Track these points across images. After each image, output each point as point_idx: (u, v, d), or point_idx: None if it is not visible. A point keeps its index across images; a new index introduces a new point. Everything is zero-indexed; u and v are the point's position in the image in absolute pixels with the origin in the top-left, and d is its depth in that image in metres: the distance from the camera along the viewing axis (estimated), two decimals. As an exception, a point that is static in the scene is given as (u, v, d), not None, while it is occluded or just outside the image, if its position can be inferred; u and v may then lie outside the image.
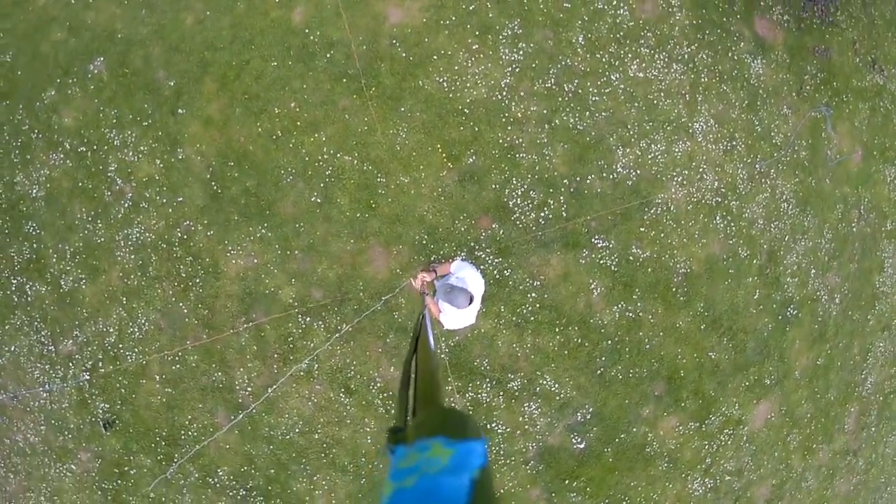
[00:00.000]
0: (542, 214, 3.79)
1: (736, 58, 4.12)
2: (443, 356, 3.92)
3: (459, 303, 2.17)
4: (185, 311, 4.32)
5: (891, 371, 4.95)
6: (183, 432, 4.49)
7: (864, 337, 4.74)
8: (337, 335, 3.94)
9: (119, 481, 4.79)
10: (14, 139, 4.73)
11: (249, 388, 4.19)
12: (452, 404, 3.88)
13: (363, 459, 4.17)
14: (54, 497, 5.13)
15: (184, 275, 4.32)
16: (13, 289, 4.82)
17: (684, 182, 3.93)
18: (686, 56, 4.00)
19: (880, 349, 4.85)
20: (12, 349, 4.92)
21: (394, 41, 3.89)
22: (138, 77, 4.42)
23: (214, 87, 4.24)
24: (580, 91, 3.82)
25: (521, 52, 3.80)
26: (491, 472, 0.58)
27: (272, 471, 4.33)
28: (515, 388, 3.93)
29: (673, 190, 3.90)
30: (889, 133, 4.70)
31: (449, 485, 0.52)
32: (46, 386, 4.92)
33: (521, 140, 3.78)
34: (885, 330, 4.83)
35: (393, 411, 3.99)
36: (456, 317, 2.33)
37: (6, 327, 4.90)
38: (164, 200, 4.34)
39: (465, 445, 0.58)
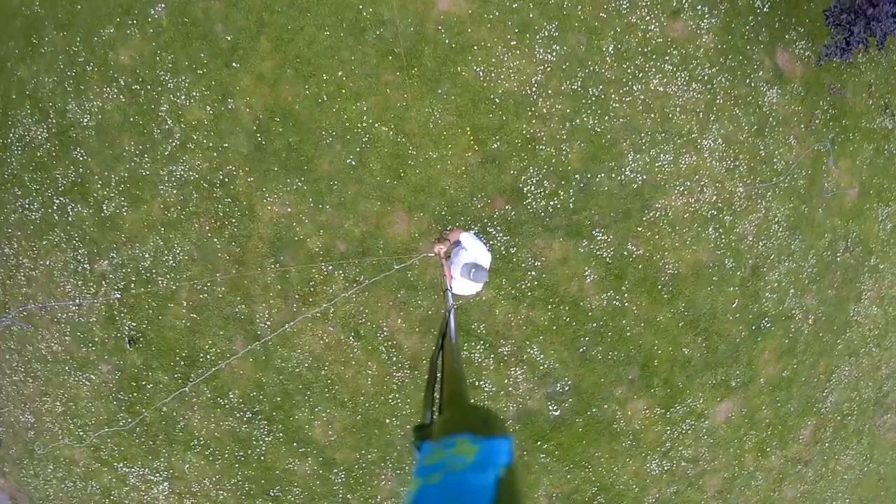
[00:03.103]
0: (552, 203, 4.47)
1: (753, 85, 4.71)
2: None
3: (480, 279, 2.72)
4: (219, 246, 5.07)
5: (851, 395, 5.63)
6: (202, 355, 5.30)
7: (830, 358, 5.42)
8: (355, 287, 4.68)
9: (135, 394, 5.63)
10: (69, 69, 5.38)
11: (269, 322, 4.97)
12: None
13: (361, 398, 4.97)
14: (70, 403, 5.99)
15: (221, 214, 5.05)
16: (55, 207, 5.57)
17: (685, 192, 4.58)
18: (706, 77, 4.59)
19: (845, 372, 5.52)
20: (47, 263, 5.68)
21: (439, 27, 4.51)
22: (197, 27, 5.03)
23: (269, 46, 4.88)
24: (603, 97, 4.45)
25: (554, 54, 4.42)
26: (517, 470, 0.58)
27: (278, 399, 5.14)
28: (505, 353, 4.67)
29: (674, 198, 4.56)
30: (889, 175, 5.28)
31: (474, 482, 0.52)
32: (77, 300, 5.73)
33: (542, 133, 4.43)
34: (851, 356, 5.50)
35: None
36: (468, 286, 2.93)
37: (43, 242, 5.65)
38: (211, 144, 5.03)
39: (491, 443, 0.59)
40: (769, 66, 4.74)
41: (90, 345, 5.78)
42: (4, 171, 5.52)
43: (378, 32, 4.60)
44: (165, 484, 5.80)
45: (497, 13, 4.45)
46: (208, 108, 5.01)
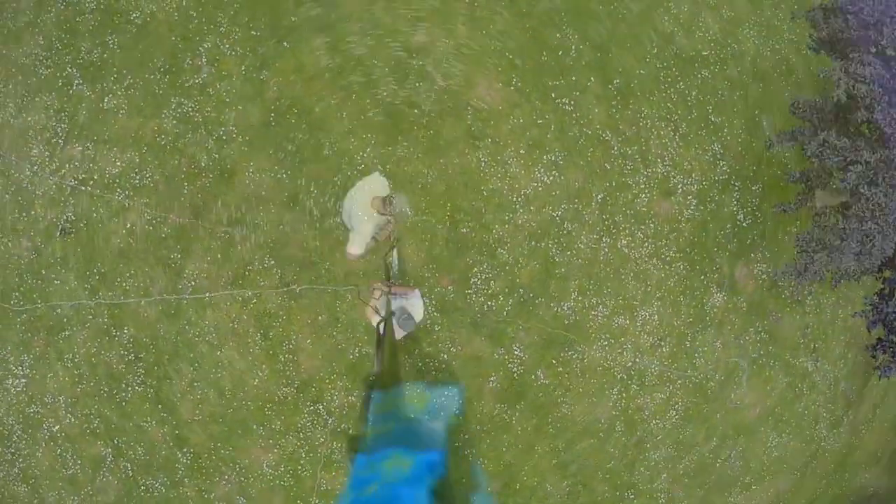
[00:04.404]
0: (489, 304, 4.79)
1: (705, 283, 5.20)
2: (351, 357, 4.85)
3: (408, 328, 3.05)
4: (185, 191, 5.23)
5: None
6: (119, 280, 5.35)
7: (674, 552, 5.71)
8: (285, 289, 4.87)
9: (40, 282, 5.59)
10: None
11: (193, 283, 5.09)
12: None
13: (241, 394, 5.05)
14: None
15: (202, 164, 5.25)
16: (64, 75, 5.64)
17: (607, 348, 4.96)
18: (668, 258, 5.07)
19: (682, 570, 5.81)
20: (28, 119, 5.73)
21: (469, 108, 4.94)
22: (272, -6, 5.35)
23: (324, 45, 5.24)
24: (574, 234, 4.88)
25: (551, 178, 4.86)
26: (450, 483, 0.63)
27: (166, 356, 5.18)
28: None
29: (595, 349, 4.93)
30: (793, 411, 5.77)
31: (408, 495, 0.56)
32: (35, 167, 5.75)
33: (509, 240, 4.81)
34: (694, 557, 5.80)
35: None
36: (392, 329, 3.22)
37: (36, 99, 5.69)
38: (228, 100, 5.28)
39: (425, 456, 0.65)
40: (726, 273, 5.26)
41: (23, 214, 5.74)
42: (40, 17, 5.58)
43: (417, 84, 5.01)
44: (23, 381, 5.67)
45: (521, 120, 4.92)
46: (243, 67, 5.29)
